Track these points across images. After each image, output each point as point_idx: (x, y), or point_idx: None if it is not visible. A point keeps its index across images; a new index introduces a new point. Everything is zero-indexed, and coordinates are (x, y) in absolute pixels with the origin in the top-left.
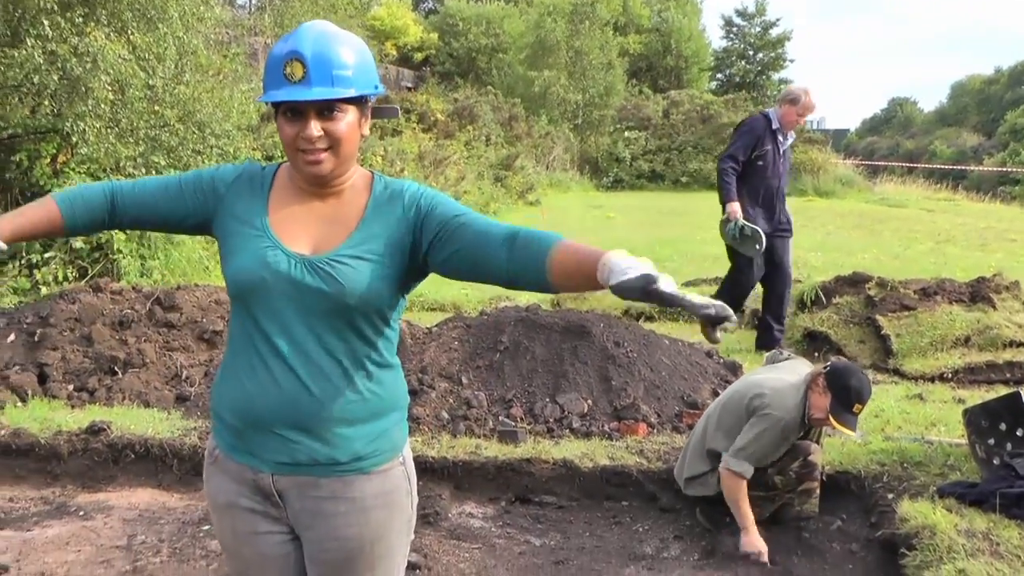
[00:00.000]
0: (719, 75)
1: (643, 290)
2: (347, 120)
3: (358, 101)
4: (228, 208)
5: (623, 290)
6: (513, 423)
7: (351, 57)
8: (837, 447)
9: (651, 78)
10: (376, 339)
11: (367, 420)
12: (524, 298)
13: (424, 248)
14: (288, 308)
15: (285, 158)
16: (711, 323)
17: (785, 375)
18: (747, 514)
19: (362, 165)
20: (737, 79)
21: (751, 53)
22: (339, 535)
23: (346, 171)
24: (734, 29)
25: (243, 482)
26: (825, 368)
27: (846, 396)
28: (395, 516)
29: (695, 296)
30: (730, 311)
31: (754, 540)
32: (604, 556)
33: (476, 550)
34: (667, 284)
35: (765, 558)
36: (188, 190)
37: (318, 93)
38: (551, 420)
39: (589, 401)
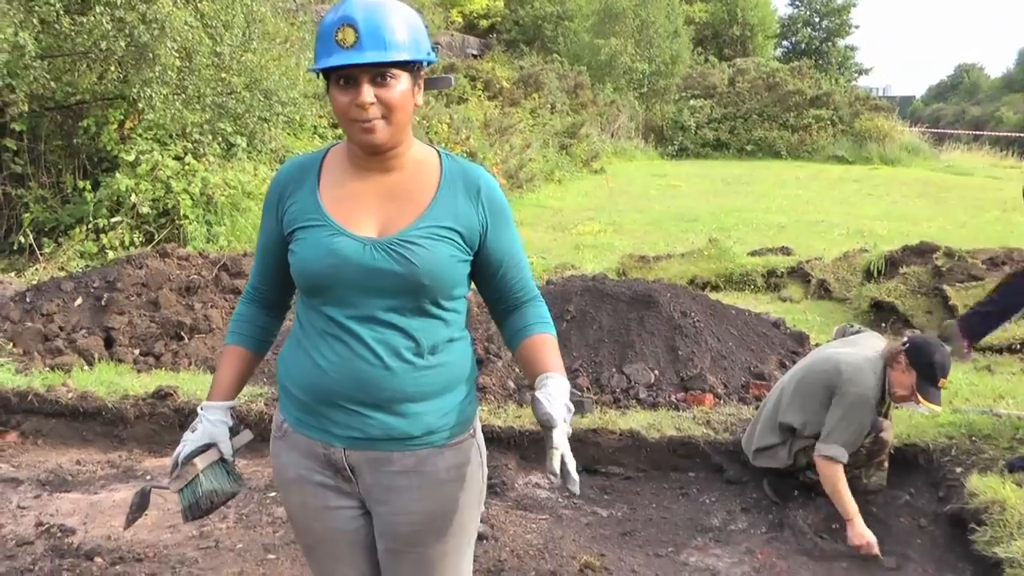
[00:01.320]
0: (784, 43)
1: (541, 424)
2: (400, 87)
3: (411, 68)
4: (288, 208)
5: (535, 411)
6: (579, 393)
7: (403, 23)
8: (904, 420)
9: (717, 46)
10: (446, 315)
11: (439, 394)
12: (591, 267)
13: (476, 249)
14: (359, 290)
15: (340, 136)
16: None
17: (860, 349)
18: (849, 502)
19: (427, 133)
20: (803, 46)
21: (817, 20)
22: (411, 509)
23: (401, 141)
24: None
25: (314, 456)
26: (904, 345)
27: (931, 372)
28: (468, 489)
29: (558, 457)
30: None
31: (861, 531)
32: (671, 528)
33: (543, 520)
34: (559, 436)
35: (876, 550)
36: (274, 230)
37: (371, 56)
38: (617, 390)
39: (656, 371)
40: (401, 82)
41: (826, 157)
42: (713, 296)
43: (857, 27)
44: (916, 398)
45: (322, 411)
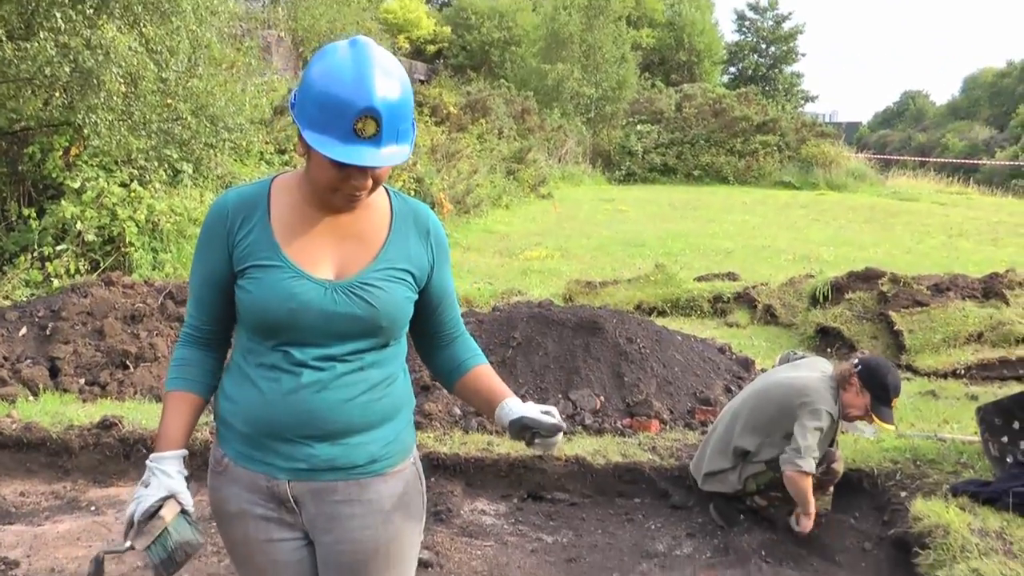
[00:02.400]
0: (731, 69)
1: (520, 426)
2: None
3: None
4: (238, 242)
5: (514, 425)
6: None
7: (410, 101)
8: (850, 444)
9: (664, 72)
10: (395, 348)
11: (382, 423)
12: (537, 292)
13: (422, 287)
14: (319, 332)
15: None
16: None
17: (809, 372)
18: (812, 503)
19: None
20: (749, 72)
21: (763, 47)
22: (355, 537)
23: None
24: (746, 23)
25: (256, 490)
26: (856, 367)
27: (885, 394)
28: (410, 516)
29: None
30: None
31: (811, 525)
32: (616, 554)
33: (488, 547)
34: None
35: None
36: (220, 263)
37: (388, 158)
38: (564, 416)
39: (601, 398)
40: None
41: (773, 183)
42: (660, 321)
43: (804, 55)
44: (870, 418)
45: (266, 444)
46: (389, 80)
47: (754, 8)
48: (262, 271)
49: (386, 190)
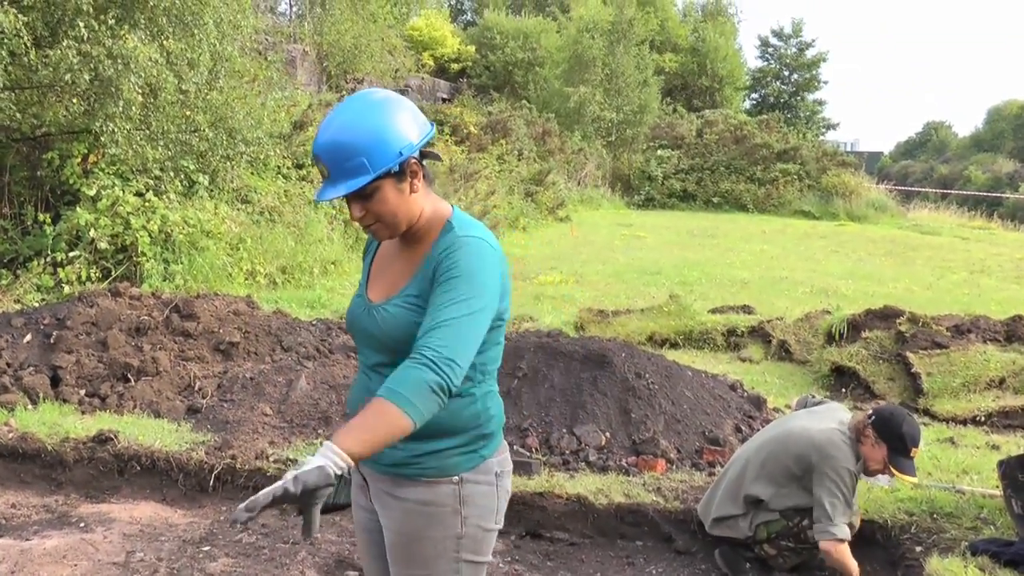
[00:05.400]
0: (754, 95)
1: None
2: (381, 196)
3: (388, 174)
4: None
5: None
6: (528, 454)
7: (362, 143)
8: (863, 493)
9: (685, 97)
10: None
11: (418, 438)
12: (549, 319)
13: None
14: (359, 341)
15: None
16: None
17: (826, 423)
18: (855, 566)
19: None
20: (771, 99)
21: (786, 74)
22: (388, 525)
23: (410, 223)
24: (770, 49)
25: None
26: (870, 418)
27: (902, 444)
28: (436, 528)
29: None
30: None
31: None
32: None
33: None
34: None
35: None
36: None
37: (333, 192)
38: (567, 452)
39: (607, 434)
40: (381, 190)
41: (792, 212)
42: (672, 354)
43: (826, 82)
44: (889, 471)
45: None
46: (330, 127)
47: (778, 35)
48: (358, 286)
49: (448, 222)
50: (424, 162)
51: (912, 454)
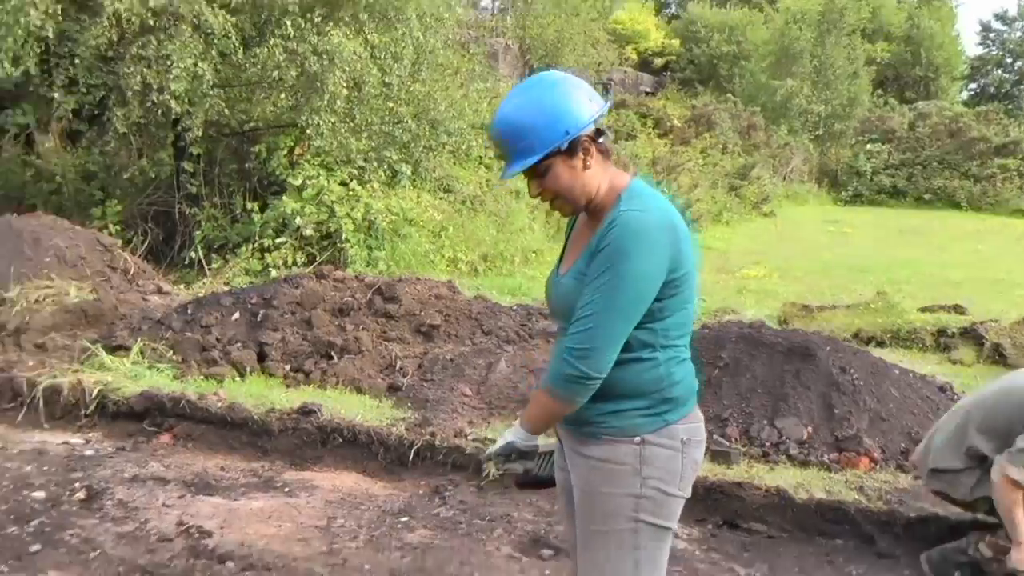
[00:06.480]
0: (972, 85)
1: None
2: (554, 174)
3: (555, 154)
4: None
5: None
6: (728, 443)
7: (529, 124)
8: None
9: (898, 88)
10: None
11: (600, 399)
12: (751, 312)
13: None
14: (550, 308)
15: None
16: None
17: None
18: (1021, 525)
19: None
20: (992, 89)
21: (1009, 61)
22: (575, 482)
23: (589, 200)
24: (991, 35)
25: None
26: None
27: None
28: (614, 486)
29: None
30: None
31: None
32: None
33: (676, 572)
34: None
35: None
36: None
37: (509, 172)
38: (767, 444)
39: (809, 428)
40: (554, 169)
41: (1010, 211)
42: (877, 352)
43: None
44: None
45: None
46: (503, 110)
47: (1001, 19)
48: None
49: (619, 198)
50: (602, 139)
51: None
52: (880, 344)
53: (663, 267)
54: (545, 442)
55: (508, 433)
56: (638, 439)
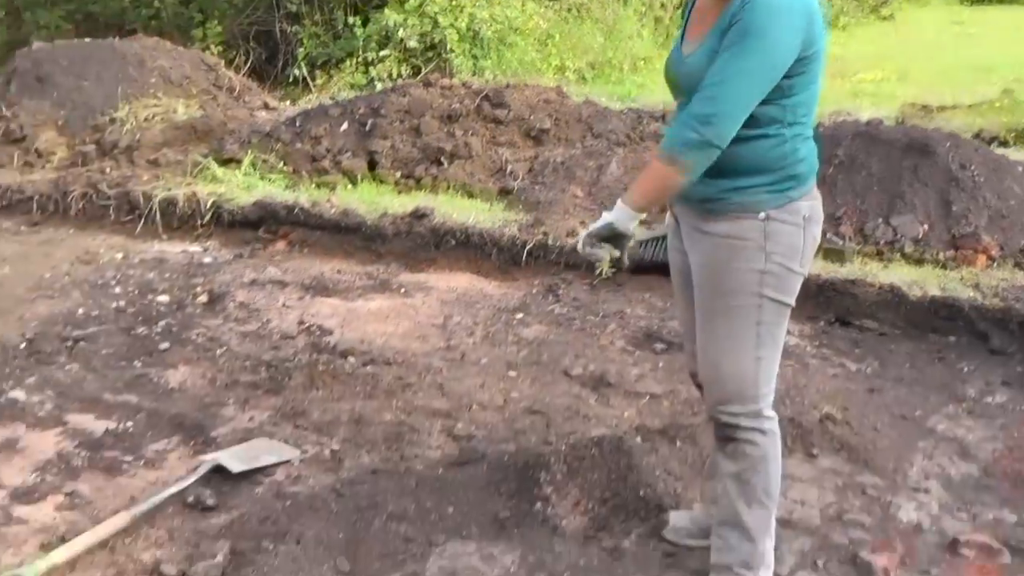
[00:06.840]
0: None
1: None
2: None
3: None
4: None
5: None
6: (841, 241)
7: None
8: None
9: None
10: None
11: (725, 175)
12: (867, 115)
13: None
14: (672, 86)
15: None
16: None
17: None
18: None
19: None
20: None
21: None
22: (696, 259)
23: None
24: None
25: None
26: None
27: None
28: (738, 260)
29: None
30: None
31: None
32: (921, 391)
33: (788, 367)
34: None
35: None
36: None
37: None
38: (882, 241)
39: (925, 225)
40: None
41: None
42: (999, 151)
43: None
44: None
45: None
46: None
47: None
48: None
49: None
50: None
51: None
52: (1003, 144)
53: (798, 41)
54: (640, 230)
55: (608, 214)
56: (763, 215)
